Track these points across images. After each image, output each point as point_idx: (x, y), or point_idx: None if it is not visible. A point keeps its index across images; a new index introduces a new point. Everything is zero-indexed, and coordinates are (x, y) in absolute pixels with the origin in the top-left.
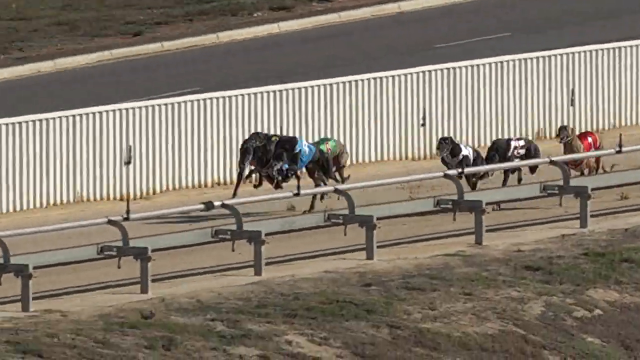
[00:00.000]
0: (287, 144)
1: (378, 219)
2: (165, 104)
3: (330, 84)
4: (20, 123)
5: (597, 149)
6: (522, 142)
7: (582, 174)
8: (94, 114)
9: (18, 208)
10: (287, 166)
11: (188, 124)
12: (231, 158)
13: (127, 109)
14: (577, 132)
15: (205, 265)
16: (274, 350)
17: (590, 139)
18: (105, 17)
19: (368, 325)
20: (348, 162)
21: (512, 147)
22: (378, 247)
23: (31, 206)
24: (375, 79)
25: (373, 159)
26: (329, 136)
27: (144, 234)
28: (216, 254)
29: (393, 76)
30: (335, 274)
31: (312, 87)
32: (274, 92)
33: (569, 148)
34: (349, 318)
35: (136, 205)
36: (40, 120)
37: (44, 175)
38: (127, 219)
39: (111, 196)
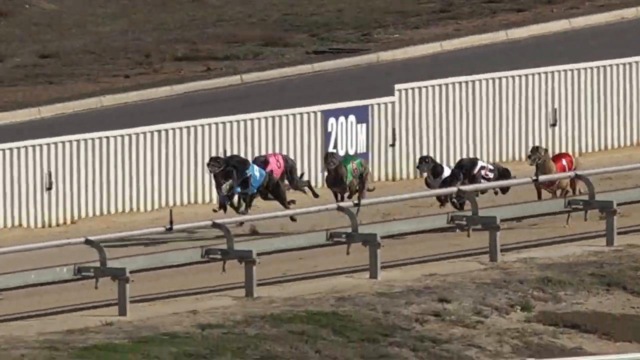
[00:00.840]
0: (239, 165)
1: None
2: None
3: None
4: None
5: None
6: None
7: (555, 195)
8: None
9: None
10: (238, 189)
11: None
12: None
13: None
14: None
15: None
16: None
17: (564, 161)
18: None
19: None
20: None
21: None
22: None
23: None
24: None
25: None
26: None
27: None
28: None
29: None
30: None
31: None
32: None
33: (541, 169)
34: None
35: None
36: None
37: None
38: None
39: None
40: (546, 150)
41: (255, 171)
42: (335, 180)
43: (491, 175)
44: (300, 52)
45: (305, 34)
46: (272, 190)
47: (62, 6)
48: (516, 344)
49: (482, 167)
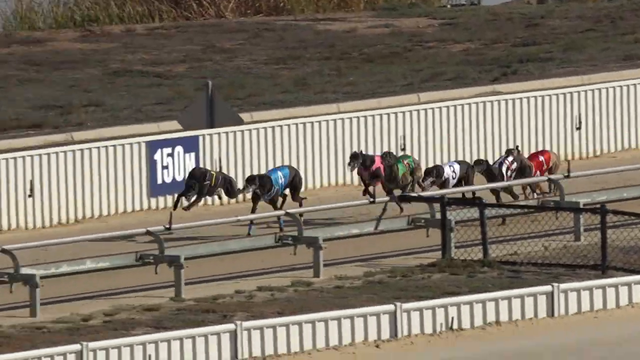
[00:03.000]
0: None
1: None
2: None
3: None
4: None
5: (549, 167)
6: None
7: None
8: None
9: None
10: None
11: None
12: None
13: None
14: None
15: None
16: None
17: (542, 158)
18: None
19: None
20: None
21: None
22: None
23: None
24: None
25: None
26: None
27: None
28: None
29: None
30: None
31: None
32: None
33: (521, 170)
34: None
35: None
36: None
37: None
38: None
39: None
40: (519, 151)
41: (279, 177)
42: (389, 177)
43: (514, 166)
44: None
45: None
46: (294, 187)
47: None
48: None
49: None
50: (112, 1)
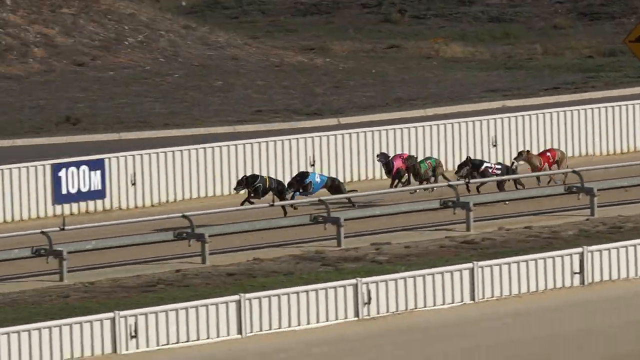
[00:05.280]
0: (299, 176)
1: None
2: None
3: None
4: None
5: (555, 162)
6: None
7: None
8: None
9: None
10: (298, 193)
11: None
12: None
13: None
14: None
15: None
16: None
17: (549, 154)
18: None
19: None
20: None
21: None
22: None
23: None
24: None
25: None
26: None
27: None
28: None
29: None
30: None
31: None
32: None
33: (530, 165)
34: None
35: None
36: None
37: None
38: None
39: None
40: (528, 151)
41: (316, 178)
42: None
43: (499, 172)
44: None
45: None
46: (335, 188)
47: None
48: None
49: (489, 167)
50: None
